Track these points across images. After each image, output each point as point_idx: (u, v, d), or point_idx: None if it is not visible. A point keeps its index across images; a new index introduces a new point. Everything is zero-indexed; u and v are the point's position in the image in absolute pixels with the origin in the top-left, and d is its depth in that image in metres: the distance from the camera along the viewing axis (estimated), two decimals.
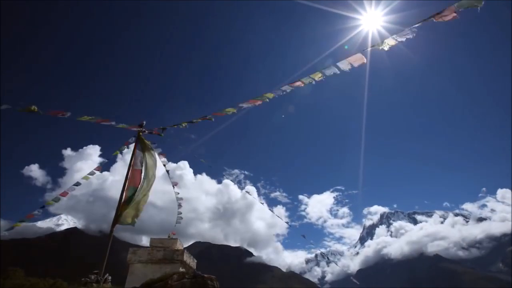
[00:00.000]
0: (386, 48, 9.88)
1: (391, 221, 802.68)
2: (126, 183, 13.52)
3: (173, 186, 17.53)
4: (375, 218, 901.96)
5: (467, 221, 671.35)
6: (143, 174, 14.04)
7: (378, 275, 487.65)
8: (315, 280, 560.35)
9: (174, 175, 17.60)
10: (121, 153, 16.29)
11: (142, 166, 14.17)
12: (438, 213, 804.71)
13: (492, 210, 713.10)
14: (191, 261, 13.03)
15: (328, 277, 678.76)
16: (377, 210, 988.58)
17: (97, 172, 15.80)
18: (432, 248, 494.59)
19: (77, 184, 15.14)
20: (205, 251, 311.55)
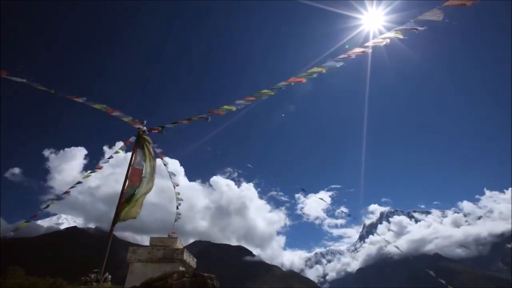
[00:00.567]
0: (386, 42, 9.81)
1: (390, 220, 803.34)
2: (125, 182, 13.52)
3: (174, 187, 17.52)
4: (375, 217, 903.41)
5: (466, 220, 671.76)
6: (143, 173, 14.03)
7: (377, 274, 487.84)
8: (315, 279, 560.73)
9: (174, 176, 17.56)
10: (122, 152, 16.28)
11: (142, 165, 14.15)
12: (437, 212, 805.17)
13: (492, 209, 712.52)
14: (191, 260, 13.03)
15: (328, 276, 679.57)
16: (377, 209, 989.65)
17: (98, 171, 15.82)
18: (432, 247, 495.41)
19: (79, 182, 15.18)
20: (205, 250, 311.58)
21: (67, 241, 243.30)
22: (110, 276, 12.43)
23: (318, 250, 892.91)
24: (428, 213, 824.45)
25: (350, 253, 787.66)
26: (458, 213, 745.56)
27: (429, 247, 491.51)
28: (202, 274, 8.41)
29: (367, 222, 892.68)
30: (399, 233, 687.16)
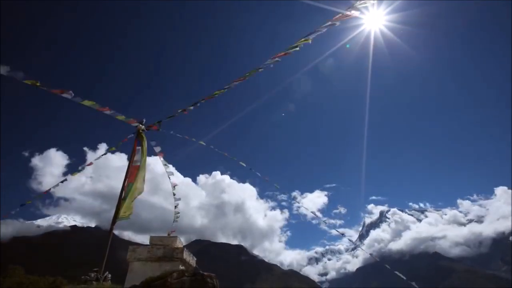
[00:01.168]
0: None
1: (390, 219, 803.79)
2: (126, 180, 13.52)
3: (172, 187, 17.49)
4: (375, 215, 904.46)
5: (466, 219, 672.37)
6: (139, 170, 14.04)
7: (377, 273, 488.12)
8: (315, 278, 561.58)
9: (172, 175, 17.55)
10: (116, 148, 16.18)
11: (139, 162, 14.15)
12: (437, 211, 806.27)
13: (492, 208, 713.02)
14: (191, 259, 13.01)
15: (328, 275, 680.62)
16: (377, 207, 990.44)
17: (88, 168, 15.71)
18: (432, 246, 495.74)
19: (63, 180, 15.06)
20: (205, 249, 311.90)
21: (67, 240, 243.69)
22: (110, 275, 12.41)
23: (317, 249, 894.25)
24: (428, 212, 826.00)
25: (350, 252, 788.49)
26: (458, 212, 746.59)
27: (429, 246, 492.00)
28: (202, 273, 8.40)
29: (367, 221, 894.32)
30: (399, 232, 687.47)
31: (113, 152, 16.04)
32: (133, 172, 13.81)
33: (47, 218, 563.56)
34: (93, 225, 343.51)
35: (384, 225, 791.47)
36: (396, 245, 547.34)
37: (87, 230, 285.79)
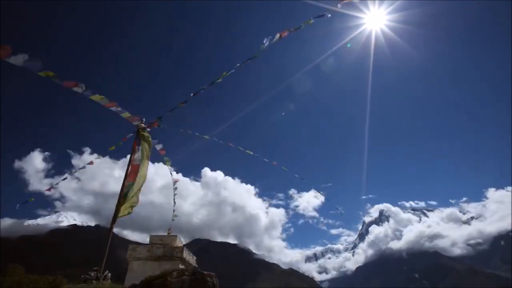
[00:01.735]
0: None
1: (390, 218, 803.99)
2: (126, 179, 13.48)
3: (173, 183, 17.45)
4: (375, 215, 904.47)
5: (466, 219, 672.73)
6: (139, 169, 14.00)
7: (377, 272, 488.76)
8: (315, 277, 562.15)
9: (174, 172, 17.54)
10: (117, 147, 16.13)
11: (139, 161, 14.11)
12: (437, 211, 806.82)
13: (492, 208, 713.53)
14: (191, 258, 12.99)
15: (328, 274, 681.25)
16: (377, 207, 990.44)
17: (92, 170, 15.66)
18: (431, 245, 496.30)
19: (64, 178, 15.00)
20: (205, 248, 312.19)
21: (67, 239, 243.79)
22: (110, 274, 12.39)
23: (317, 248, 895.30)
24: (428, 211, 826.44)
25: (350, 251, 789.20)
26: (458, 211, 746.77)
27: (429, 245, 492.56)
28: (201, 272, 8.38)
29: (367, 220, 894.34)
30: (399, 231, 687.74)
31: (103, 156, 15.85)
32: (133, 171, 13.78)
33: (47, 217, 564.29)
34: (93, 224, 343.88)
35: (384, 224, 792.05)
36: (396, 244, 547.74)
37: (87, 229, 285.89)
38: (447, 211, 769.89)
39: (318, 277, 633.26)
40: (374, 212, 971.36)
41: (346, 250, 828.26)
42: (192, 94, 13.98)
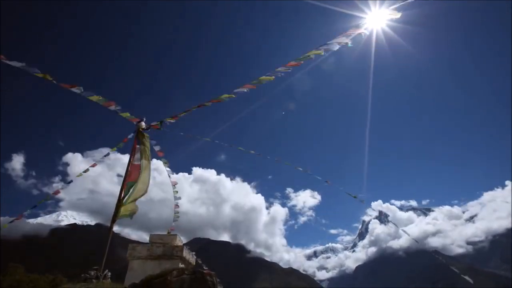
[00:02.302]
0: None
1: (389, 217, 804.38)
2: (125, 179, 13.49)
3: (173, 186, 17.45)
4: (374, 214, 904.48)
5: (466, 217, 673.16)
6: (141, 169, 13.98)
7: (376, 271, 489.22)
8: (314, 276, 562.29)
9: (172, 174, 17.53)
10: (118, 148, 16.14)
11: (140, 161, 14.10)
12: (437, 210, 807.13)
13: (491, 206, 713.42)
14: (191, 257, 13.01)
15: (328, 273, 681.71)
16: (376, 206, 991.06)
17: (92, 169, 15.64)
18: (431, 244, 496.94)
19: (70, 182, 14.99)
20: (204, 247, 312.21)
21: (67, 238, 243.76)
22: (109, 273, 12.41)
23: (317, 247, 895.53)
24: (427, 210, 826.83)
25: (349, 250, 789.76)
26: (458, 210, 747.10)
27: (429, 244, 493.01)
28: (201, 271, 8.40)
29: (367, 219, 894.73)
30: (398, 230, 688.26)
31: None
32: (133, 171, 13.78)
33: (47, 216, 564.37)
34: (93, 223, 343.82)
35: (383, 224, 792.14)
36: (396, 243, 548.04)
37: (87, 228, 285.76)
38: (447, 210, 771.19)
39: (318, 276, 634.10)
40: (373, 211, 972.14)
41: (345, 249, 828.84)
42: (197, 106, 13.98)
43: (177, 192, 17.48)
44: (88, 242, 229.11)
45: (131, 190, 13.36)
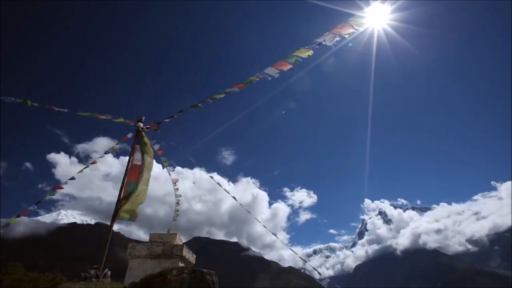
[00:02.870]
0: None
1: (389, 217, 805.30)
2: (125, 178, 13.52)
3: (173, 183, 17.48)
4: (374, 213, 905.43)
5: (466, 216, 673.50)
6: (142, 168, 14.02)
7: (376, 270, 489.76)
8: (314, 275, 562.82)
9: (172, 171, 17.56)
10: (117, 148, 16.18)
11: (141, 161, 14.14)
12: (437, 208, 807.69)
13: (492, 205, 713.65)
14: (190, 256, 13.02)
15: (328, 272, 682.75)
16: (376, 205, 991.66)
17: (92, 166, 15.67)
18: (431, 243, 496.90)
19: (72, 178, 15.00)
20: (204, 246, 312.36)
21: (67, 237, 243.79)
22: (109, 272, 12.44)
23: (317, 246, 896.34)
24: (427, 209, 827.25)
25: (349, 249, 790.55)
26: (457, 209, 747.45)
27: (428, 243, 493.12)
28: (201, 270, 8.39)
29: (366, 218, 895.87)
30: (398, 229, 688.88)
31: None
32: (133, 170, 13.82)
33: (47, 215, 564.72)
34: (93, 222, 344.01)
35: (383, 222, 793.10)
36: (396, 242, 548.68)
37: (87, 227, 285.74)
38: (447, 208, 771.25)
39: (317, 275, 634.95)
40: (373, 210, 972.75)
41: (345, 248, 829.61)
42: (191, 106, 14.13)
43: (177, 189, 17.54)
44: (88, 241, 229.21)
45: (132, 192, 13.42)
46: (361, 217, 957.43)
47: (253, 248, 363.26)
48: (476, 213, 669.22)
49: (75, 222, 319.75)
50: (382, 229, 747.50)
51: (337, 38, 10.38)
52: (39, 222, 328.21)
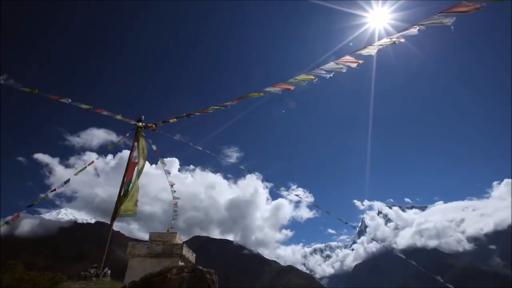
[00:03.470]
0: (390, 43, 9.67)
1: (389, 216, 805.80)
2: (125, 177, 13.55)
3: (171, 186, 17.52)
4: (373, 212, 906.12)
5: (466, 215, 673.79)
6: (137, 166, 14.14)
7: (375, 269, 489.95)
8: (314, 274, 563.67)
9: (169, 174, 17.61)
10: (115, 147, 16.20)
11: (137, 159, 14.24)
12: (437, 207, 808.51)
13: (492, 204, 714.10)
14: (190, 255, 13.03)
15: (327, 271, 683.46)
16: (375, 204, 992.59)
17: (89, 167, 15.63)
18: (430, 242, 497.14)
19: (67, 181, 14.95)
20: (204, 246, 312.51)
21: (67, 236, 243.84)
22: (109, 271, 12.46)
23: (317, 245, 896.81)
24: (427, 208, 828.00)
25: (349, 248, 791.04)
26: (457, 208, 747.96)
27: (428, 242, 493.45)
28: (201, 269, 8.40)
29: (366, 217, 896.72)
30: (397, 228, 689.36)
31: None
32: (131, 168, 13.88)
33: (47, 214, 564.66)
34: (93, 221, 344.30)
35: (382, 222, 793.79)
36: (395, 241, 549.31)
37: (87, 226, 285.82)
38: (447, 207, 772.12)
39: (317, 274, 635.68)
40: (373, 209, 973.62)
41: (345, 247, 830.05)
42: (185, 115, 14.39)
43: (174, 191, 17.59)
44: (88, 240, 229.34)
45: (129, 189, 13.48)
46: (361, 216, 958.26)
47: (253, 248, 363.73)
48: (475, 212, 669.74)
49: (75, 221, 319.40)
50: (382, 228, 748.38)
51: (344, 70, 10.54)
52: (39, 221, 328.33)
